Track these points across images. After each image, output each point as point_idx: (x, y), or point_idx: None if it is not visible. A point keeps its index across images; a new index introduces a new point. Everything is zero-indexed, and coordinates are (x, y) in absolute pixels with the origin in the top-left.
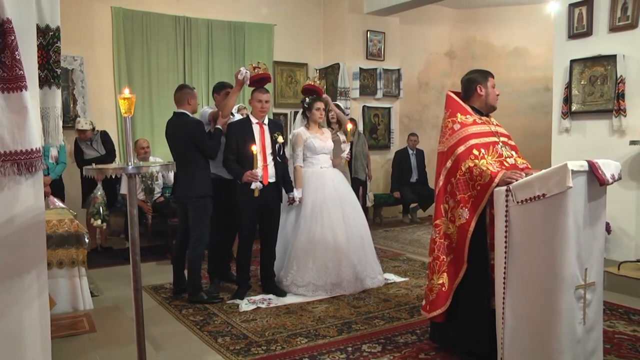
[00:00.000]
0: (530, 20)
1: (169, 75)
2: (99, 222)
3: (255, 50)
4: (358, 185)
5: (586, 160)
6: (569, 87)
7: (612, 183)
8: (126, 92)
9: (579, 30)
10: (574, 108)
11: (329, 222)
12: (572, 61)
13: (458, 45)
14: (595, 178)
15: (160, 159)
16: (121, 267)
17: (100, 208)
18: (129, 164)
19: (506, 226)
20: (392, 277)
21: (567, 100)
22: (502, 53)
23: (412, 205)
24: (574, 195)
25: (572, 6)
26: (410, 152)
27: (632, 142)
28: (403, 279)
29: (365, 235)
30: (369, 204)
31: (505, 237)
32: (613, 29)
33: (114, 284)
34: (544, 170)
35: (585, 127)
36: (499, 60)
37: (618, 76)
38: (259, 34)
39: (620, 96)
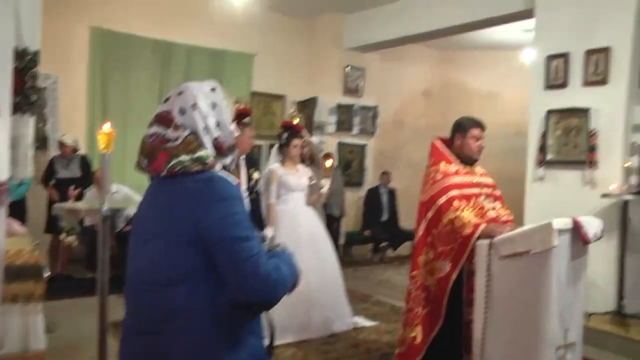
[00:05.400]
0: (505, 66)
1: (145, 99)
2: (72, 238)
3: (234, 79)
4: (332, 221)
5: (570, 218)
6: (544, 136)
7: (594, 242)
8: (106, 126)
9: (555, 81)
10: (548, 157)
11: (300, 263)
12: (548, 111)
13: (435, 85)
14: (578, 237)
15: (126, 188)
16: (82, 300)
17: (76, 224)
18: (104, 204)
19: (487, 281)
20: (362, 321)
21: (543, 149)
22: (477, 96)
23: (383, 244)
24: (558, 253)
25: (549, 58)
26: (383, 190)
27: (604, 195)
28: (373, 323)
29: (337, 277)
30: (342, 241)
31: (486, 292)
32: (587, 83)
33: (72, 318)
34: (527, 226)
35: (559, 176)
36: (473, 102)
37: (590, 129)
38: (238, 63)
39: (593, 149)
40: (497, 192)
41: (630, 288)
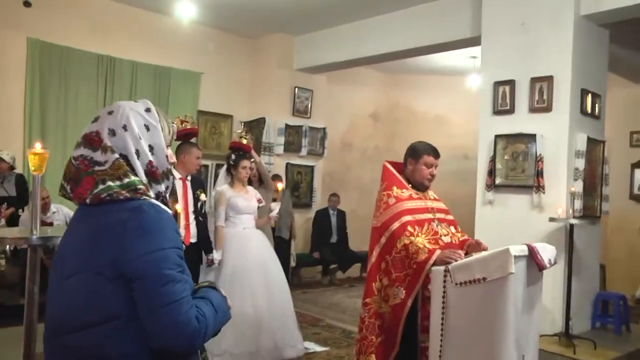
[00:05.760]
0: (452, 91)
1: (87, 116)
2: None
3: (180, 97)
4: (281, 244)
5: (526, 245)
6: (493, 160)
7: (549, 267)
8: (37, 146)
9: (502, 107)
10: (497, 181)
11: (249, 287)
12: (496, 136)
13: (382, 108)
14: (534, 263)
15: (66, 208)
16: (13, 329)
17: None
18: (33, 233)
19: (443, 308)
20: (313, 346)
21: (491, 173)
22: (424, 119)
23: (332, 266)
24: (515, 280)
25: (496, 84)
26: (331, 212)
27: (551, 219)
28: (324, 349)
29: (287, 302)
30: (292, 263)
31: (442, 319)
32: (532, 109)
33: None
34: (484, 253)
35: (508, 200)
36: (420, 126)
37: (537, 154)
38: (185, 81)
39: (540, 174)
40: (450, 217)
41: (576, 309)
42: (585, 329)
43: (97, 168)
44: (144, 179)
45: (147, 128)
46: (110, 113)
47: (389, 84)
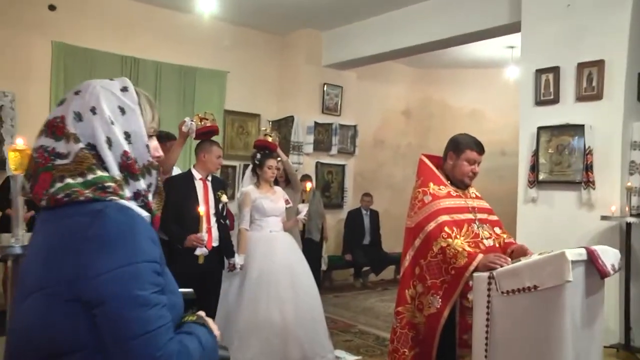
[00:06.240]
0: (488, 84)
1: None
2: None
3: (206, 97)
4: (312, 247)
5: (584, 248)
6: (535, 154)
7: (612, 274)
8: (19, 142)
9: (545, 97)
10: (541, 177)
11: (276, 294)
12: (539, 128)
13: (415, 104)
14: (595, 269)
15: None
16: None
17: None
18: (16, 240)
19: (487, 320)
20: (344, 355)
21: (534, 168)
22: (459, 115)
23: (364, 269)
24: (572, 289)
25: (538, 72)
26: (364, 212)
27: (604, 217)
28: (356, 358)
29: (317, 308)
30: (324, 267)
31: (486, 332)
32: (580, 98)
33: None
34: (535, 257)
35: (553, 197)
36: (455, 121)
37: (586, 147)
38: (210, 81)
39: (589, 168)
40: (494, 217)
41: (637, 318)
42: None
43: (57, 162)
44: (117, 174)
45: (122, 111)
46: (77, 93)
47: (421, 79)
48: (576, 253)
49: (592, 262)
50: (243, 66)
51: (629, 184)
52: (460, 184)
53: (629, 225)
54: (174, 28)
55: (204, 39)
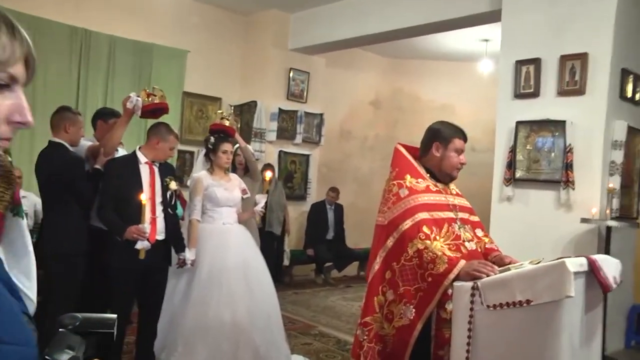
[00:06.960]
0: (460, 78)
1: (58, 93)
2: None
3: (163, 77)
4: (272, 240)
5: (584, 257)
6: (513, 151)
7: (614, 288)
8: None
9: (525, 90)
10: (518, 175)
11: (227, 292)
12: (517, 123)
13: (385, 95)
14: (596, 282)
15: (33, 195)
16: None
17: None
18: None
19: (469, 337)
20: None
21: (511, 165)
22: (429, 108)
23: (327, 264)
24: (570, 305)
25: (519, 63)
26: (328, 206)
27: (584, 220)
28: None
29: (273, 307)
30: (286, 262)
31: (467, 351)
32: (561, 92)
33: None
34: (528, 266)
35: (530, 196)
36: (425, 115)
37: (567, 144)
38: (169, 60)
39: (569, 167)
40: (475, 218)
41: (611, 327)
42: (618, 348)
43: None
44: None
45: None
46: None
47: (392, 69)
48: (577, 263)
49: (593, 274)
50: (205, 46)
51: (610, 185)
52: (446, 178)
53: (609, 228)
54: (132, 1)
55: (164, 14)
